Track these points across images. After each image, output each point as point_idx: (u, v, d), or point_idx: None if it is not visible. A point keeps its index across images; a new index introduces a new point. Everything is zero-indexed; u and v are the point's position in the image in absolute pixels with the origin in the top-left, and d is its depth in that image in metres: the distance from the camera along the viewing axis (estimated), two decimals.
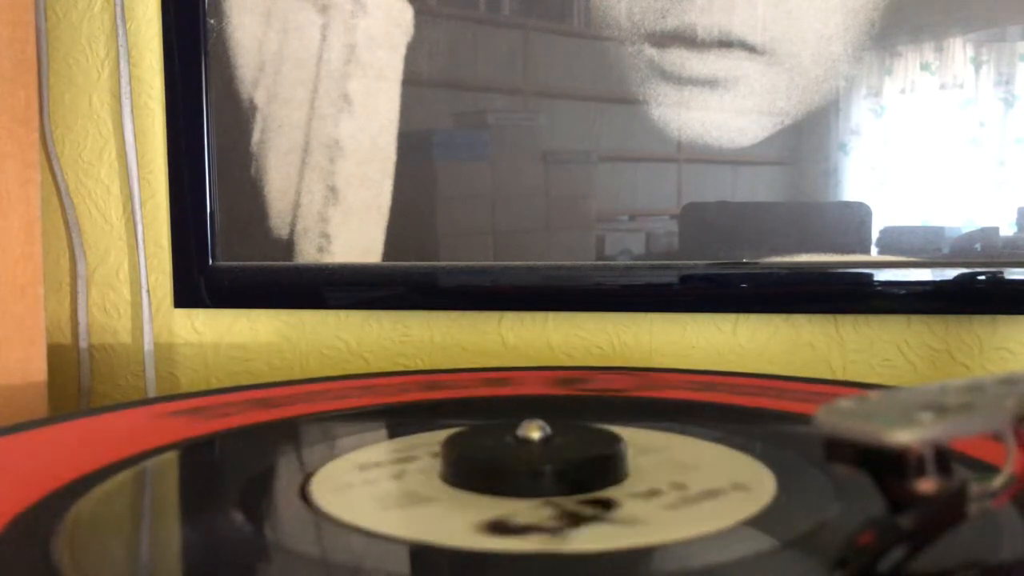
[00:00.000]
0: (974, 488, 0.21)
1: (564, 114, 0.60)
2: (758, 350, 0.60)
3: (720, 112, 0.57)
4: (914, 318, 0.58)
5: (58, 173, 0.67)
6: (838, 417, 0.21)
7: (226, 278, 0.64)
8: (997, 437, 0.21)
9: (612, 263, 0.59)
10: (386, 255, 0.62)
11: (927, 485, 0.20)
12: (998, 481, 0.22)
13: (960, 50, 0.54)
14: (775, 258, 0.57)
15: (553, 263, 0.60)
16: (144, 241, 0.66)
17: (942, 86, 0.55)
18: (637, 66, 0.58)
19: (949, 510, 0.21)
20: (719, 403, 0.45)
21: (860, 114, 0.56)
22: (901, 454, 0.20)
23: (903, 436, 0.20)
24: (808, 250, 0.57)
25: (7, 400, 0.57)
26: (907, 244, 0.56)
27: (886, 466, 0.20)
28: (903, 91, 0.55)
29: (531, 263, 0.60)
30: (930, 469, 0.20)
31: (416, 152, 0.61)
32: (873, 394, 0.22)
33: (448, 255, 0.61)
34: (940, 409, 0.21)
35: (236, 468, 0.37)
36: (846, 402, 0.22)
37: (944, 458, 0.21)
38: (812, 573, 0.24)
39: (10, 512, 0.29)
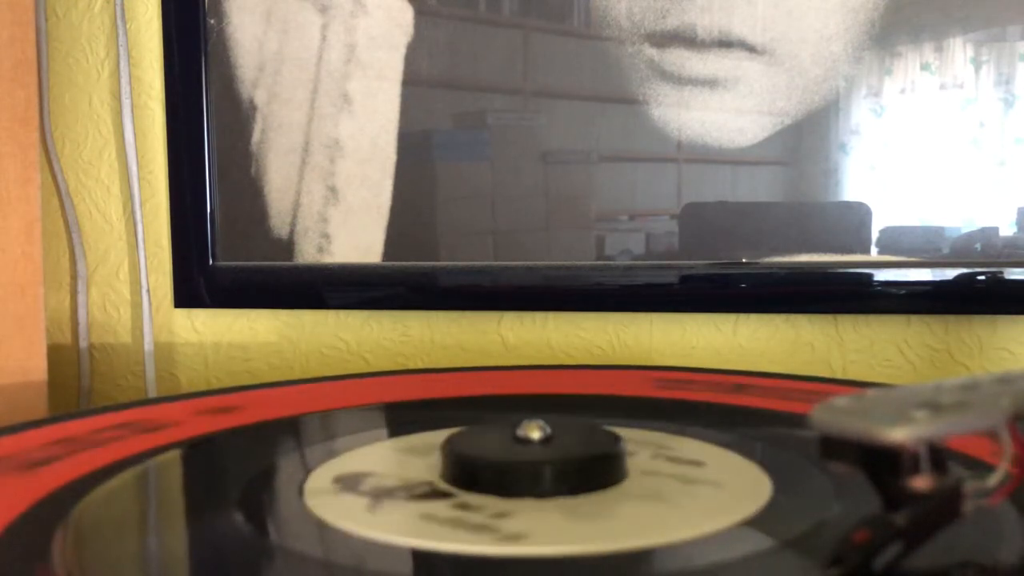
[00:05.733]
0: (969, 486, 0.21)
1: (564, 114, 0.60)
2: (758, 350, 0.60)
3: (720, 112, 0.57)
4: (914, 318, 0.58)
5: (58, 173, 0.67)
6: (833, 415, 0.21)
7: (226, 278, 0.64)
8: (993, 435, 0.21)
9: (612, 263, 0.59)
10: (386, 255, 0.62)
11: (922, 482, 0.20)
12: (993, 479, 0.22)
13: (960, 50, 0.54)
14: (775, 258, 0.57)
15: (553, 263, 0.60)
16: (144, 241, 0.66)
17: (942, 86, 0.55)
18: (637, 66, 0.58)
19: (944, 508, 0.21)
20: (719, 403, 0.45)
21: (860, 114, 0.56)
22: (896, 452, 0.20)
23: (898, 434, 0.20)
24: (808, 250, 0.57)
25: (7, 400, 0.57)
26: (907, 244, 0.56)
27: (881, 464, 0.20)
28: (903, 91, 0.55)
29: (531, 263, 0.60)
30: (925, 467, 0.20)
31: (416, 152, 0.62)
32: (869, 392, 0.22)
33: (448, 255, 0.61)
34: (935, 407, 0.21)
35: (236, 468, 0.37)
36: (842, 400, 0.22)
37: (939, 456, 0.21)
38: (811, 572, 0.24)
39: (10, 512, 0.29)
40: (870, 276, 0.56)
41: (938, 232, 0.55)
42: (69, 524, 0.28)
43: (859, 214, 0.56)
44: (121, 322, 0.68)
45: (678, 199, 0.58)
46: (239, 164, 0.64)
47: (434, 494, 0.31)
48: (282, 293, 0.64)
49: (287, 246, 0.63)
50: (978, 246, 0.55)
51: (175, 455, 0.37)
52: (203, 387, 0.67)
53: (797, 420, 0.41)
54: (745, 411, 0.43)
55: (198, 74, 0.63)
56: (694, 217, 0.58)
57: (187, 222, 0.64)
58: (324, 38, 0.62)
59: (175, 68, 0.64)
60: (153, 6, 0.65)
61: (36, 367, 0.58)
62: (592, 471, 0.31)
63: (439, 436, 0.34)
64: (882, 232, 0.56)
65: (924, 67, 0.55)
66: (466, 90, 0.61)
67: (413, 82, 0.61)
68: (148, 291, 0.66)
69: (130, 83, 0.66)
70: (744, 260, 0.57)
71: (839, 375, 0.59)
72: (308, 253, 0.63)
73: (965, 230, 0.55)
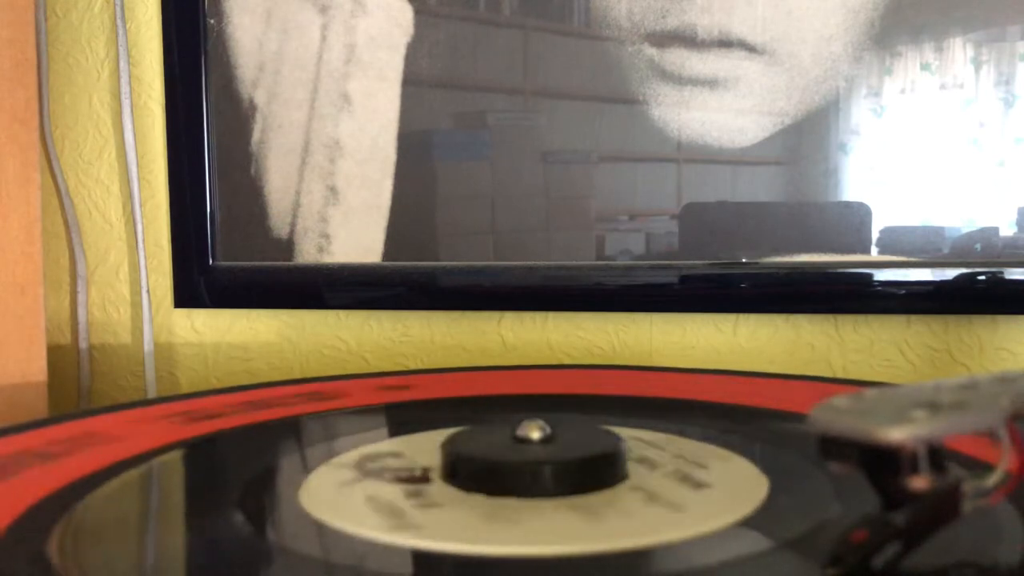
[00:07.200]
0: (968, 486, 0.21)
1: (564, 114, 0.60)
2: (758, 350, 0.60)
3: (720, 112, 0.57)
4: (914, 318, 0.58)
5: (58, 173, 0.67)
6: (832, 415, 0.21)
7: (226, 278, 0.64)
8: (992, 435, 0.21)
9: (612, 263, 0.59)
10: (386, 255, 0.62)
11: (920, 482, 0.20)
12: (992, 479, 0.22)
13: (960, 50, 0.54)
14: (775, 258, 0.57)
15: (553, 263, 0.60)
16: (144, 241, 0.67)
17: (942, 86, 0.55)
18: (637, 66, 0.58)
19: (943, 507, 0.21)
20: (719, 403, 0.45)
21: (860, 114, 0.56)
22: (895, 451, 0.20)
23: (896, 433, 0.20)
24: (808, 250, 0.57)
25: (7, 400, 0.57)
26: (907, 244, 0.56)
27: (880, 464, 0.20)
28: (903, 91, 0.55)
29: (531, 263, 0.60)
30: (923, 466, 0.20)
31: (416, 152, 0.62)
32: (868, 392, 0.22)
33: (448, 255, 0.61)
34: (934, 407, 0.21)
35: (236, 468, 0.37)
36: (840, 400, 0.22)
37: (938, 456, 0.21)
38: (810, 572, 0.24)
39: (10, 512, 0.29)
40: (870, 276, 0.56)
41: (938, 232, 0.55)
42: (69, 524, 0.28)
43: (859, 214, 0.56)
44: (121, 322, 0.68)
45: (678, 199, 0.58)
46: (239, 164, 0.64)
47: (433, 494, 0.31)
48: (282, 293, 0.64)
49: (287, 246, 0.63)
50: (978, 246, 0.55)
51: (176, 455, 0.37)
52: (203, 387, 0.67)
53: (797, 420, 0.41)
54: (745, 411, 0.43)
55: (198, 74, 0.63)
56: (694, 217, 0.58)
57: (187, 222, 0.64)
58: (324, 38, 0.62)
59: (175, 68, 0.64)
60: (153, 6, 0.66)
61: (36, 367, 0.58)
62: (592, 471, 0.31)
63: (439, 436, 0.34)
64: (882, 232, 0.56)
65: (924, 67, 0.55)
66: (466, 90, 0.61)
67: (413, 82, 0.61)
68: (148, 291, 0.67)
69: (130, 83, 0.66)
70: (744, 260, 0.57)
71: (839, 375, 0.59)
72: (308, 253, 0.63)
73: (965, 230, 0.55)
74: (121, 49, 0.65)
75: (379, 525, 0.28)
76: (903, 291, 0.56)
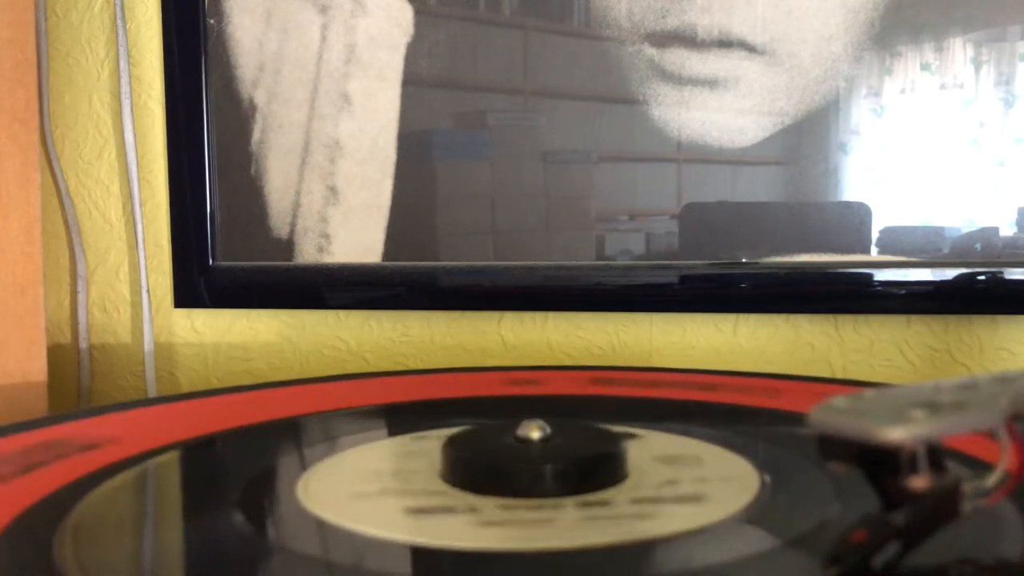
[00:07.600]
0: (967, 486, 0.21)
1: (564, 114, 0.60)
2: (758, 350, 0.60)
3: (720, 112, 0.57)
4: (914, 318, 0.58)
5: (58, 173, 0.67)
6: (832, 415, 0.21)
7: (226, 278, 0.64)
8: (992, 435, 0.21)
9: (612, 263, 0.59)
10: (386, 255, 0.62)
11: (920, 482, 0.20)
12: (992, 479, 0.22)
13: (960, 50, 0.54)
14: (775, 258, 0.57)
15: (553, 263, 0.60)
16: (144, 241, 0.67)
17: (942, 86, 0.55)
18: (637, 66, 0.58)
19: (942, 507, 0.21)
20: (719, 403, 0.45)
21: (860, 114, 0.56)
22: (894, 451, 0.20)
23: (895, 433, 0.20)
24: (808, 250, 0.57)
25: (7, 400, 0.57)
26: (907, 244, 0.56)
27: (880, 463, 0.20)
28: (903, 91, 0.55)
29: (531, 263, 0.60)
30: (923, 466, 0.20)
31: (416, 152, 0.62)
32: (867, 392, 0.22)
33: (448, 255, 0.61)
34: (933, 407, 0.21)
35: (236, 468, 0.37)
36: (840, 400, 0.22)
37: (937, 456, 0.21)
38: (809, 572, 0.24)
39: (10, 512, 0.29)
40: (870, 276, 0.56)
41: (938, 232, 0.55)
42: (69, 524, 0.28)
43: (859, 214, 0.56)
44: (121, 322, 0.68)
45: (678, 199, 0.58)
46: (239, 164, 0.64)
47: (434, 494, 0.31)
48: (282, 293, 0.64)
49: (287, 246, 0.63)
50: (978, 246, 0.55)
51: (175, 455, 0.37)
52: (203, 387, 0.67)
53: (796, 419, 0.41)
54: (745, 411, 0.43)
55: (198, 74, 0.63)
56: (694, 217, 0.58)
57: (187, 222, 0.64)
58: (324, 38, 0.62)
59: (175, 68, 0.64)
60: (153, 6, 0.65)
61: (36, 367, 0.58)
62: (592, 471, 0.31)
63: (439, 436, 0.34)
64: (882, 232, 0.56)
65: (924, 67, 0.55)
66: (466, 90, 0.61)
67: (413, 82, 0.61)
68: (148, 291, 0.67)
69: (130, 83, 0.66)
70: (744, 260, 0.57)
71: (839, 375, 0.59)
72: (308, 253, 0.63)
73: (965, 230, 0.55)
74: (121, 49, 0.65)
75: (379, 524, 0.28)
76: (903, 291, 0.56)
